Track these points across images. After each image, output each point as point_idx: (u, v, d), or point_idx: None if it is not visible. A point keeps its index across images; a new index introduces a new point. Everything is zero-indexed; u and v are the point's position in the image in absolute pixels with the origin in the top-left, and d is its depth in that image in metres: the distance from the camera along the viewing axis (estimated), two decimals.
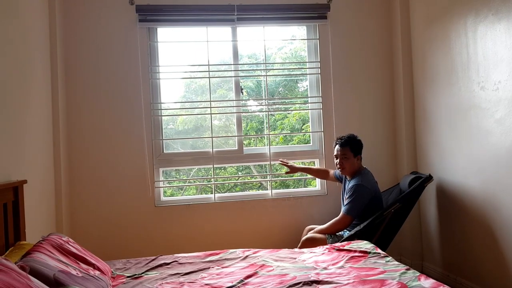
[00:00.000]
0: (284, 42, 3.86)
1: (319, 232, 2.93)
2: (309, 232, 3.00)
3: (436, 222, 3.21)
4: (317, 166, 3.56)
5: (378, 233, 2.84)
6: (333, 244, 2.56)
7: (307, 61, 3.63)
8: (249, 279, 2.02)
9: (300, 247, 2.83)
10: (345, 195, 2.98)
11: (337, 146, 3.02)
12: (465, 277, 2.88)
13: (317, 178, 3.57)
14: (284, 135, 3.86)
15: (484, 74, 2.58)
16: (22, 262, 1.64)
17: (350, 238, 2.74)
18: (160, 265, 2.32)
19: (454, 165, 2.95)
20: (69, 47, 3.21)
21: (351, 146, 2.97)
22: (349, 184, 2.95)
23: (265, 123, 3.60)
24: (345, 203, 2.93)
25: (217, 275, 2.14)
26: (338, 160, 3.00)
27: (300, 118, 3.77)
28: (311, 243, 2.84)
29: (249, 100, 3.71)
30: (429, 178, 2.91)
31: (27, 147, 2.55)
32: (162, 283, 2.03)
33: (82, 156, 3.23)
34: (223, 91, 3.62)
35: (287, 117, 3.84)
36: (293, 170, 3.29)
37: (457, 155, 2.91)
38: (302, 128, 3.83)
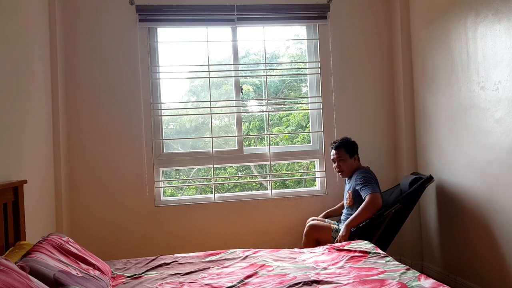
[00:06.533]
0: (292, 42, 3.83)
1: (352, 222, 2.79)
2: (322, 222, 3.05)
3: (436, 222, 3.20)
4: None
5: (378, 233, 2.84)
6: (333, 244, 2.57)
7: (307, 61, 3.63)
8: (249, 279, 2.02)
9: (306, 234, 2.90)
10: (350, 189, 3.01)
11: (332, 151, 3.12)
12: (465, 277, 2.88)
13: (318, 179, 3.58)
14: (283, 135, 3.85)
15: (484, 74, 2.58)
16: (22, 262, 1.64)
17: (350, 238, 2.74)
18: (160, 265, 2.32)
19: (454, 165, 2.95)
20: (69, 47, 3.21)
21: (345, 147, 3.05)
22: (354, 178, 2.99)
23: (265, 123, 3.60)
24: (361, 189, 2.88)
25: (217, 275, 2.14)
26: (336, 164, 3.09)
27: (305, 116, 3.75)
28: (316, 230, 2.91)
29: (249, 100, 3.70)
30: (430, 179, 2.91)
31: (27, 147, 2.55)
32: (162, 283, 2.03)
33: (82, 156, 3.23)
34: (229, 86, 3.61)
35: (292, 114, 3.83)
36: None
37: (457, 155, 2.91)
38: (307, 127, 3.81)
